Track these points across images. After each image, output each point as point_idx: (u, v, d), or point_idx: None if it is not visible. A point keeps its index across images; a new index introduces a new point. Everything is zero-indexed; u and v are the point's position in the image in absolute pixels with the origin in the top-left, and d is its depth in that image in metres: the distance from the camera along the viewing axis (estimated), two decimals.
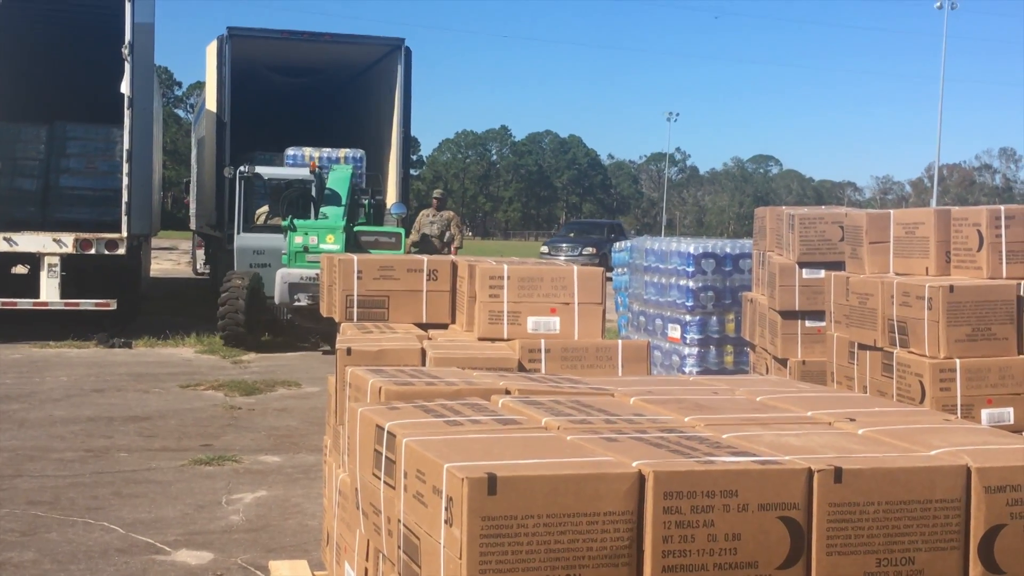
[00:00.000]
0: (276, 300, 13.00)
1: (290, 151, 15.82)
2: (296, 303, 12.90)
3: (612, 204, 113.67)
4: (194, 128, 25.54)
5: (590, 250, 29.87)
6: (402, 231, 13.61)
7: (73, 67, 18.38)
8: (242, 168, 14.35)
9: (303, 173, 14.40)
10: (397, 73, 17.32)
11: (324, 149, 16.18)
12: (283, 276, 12.96)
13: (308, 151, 16.15)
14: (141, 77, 14.66)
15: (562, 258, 27.62)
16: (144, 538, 5.68)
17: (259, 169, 14.50)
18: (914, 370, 5.16)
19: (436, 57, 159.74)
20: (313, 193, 14.08)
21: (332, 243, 12.88)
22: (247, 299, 13.18)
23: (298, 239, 13.09)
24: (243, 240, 14.30)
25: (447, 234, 15.67)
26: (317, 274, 12.49)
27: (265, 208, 14.97)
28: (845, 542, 2.09)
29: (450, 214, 16.07)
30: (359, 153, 16.46)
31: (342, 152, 16.24)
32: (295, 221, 13.24)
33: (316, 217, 13.67)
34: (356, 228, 13.44)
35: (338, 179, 14.26)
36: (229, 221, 15.04)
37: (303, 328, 13.69)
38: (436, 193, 16.72)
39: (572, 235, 33.41)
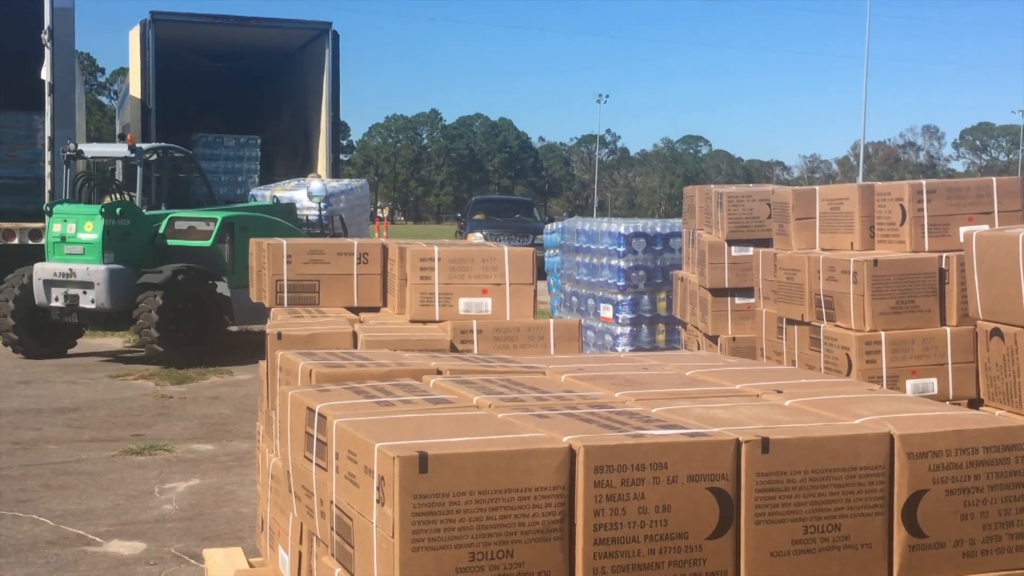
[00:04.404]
0: (36, 300, 11.28)
1: (308, 180, 14.89)
2: (54, 303, 11.16)
3: (544, 186, 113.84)
4: (118, 115, 25.15)
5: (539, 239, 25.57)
6: (220, 216, 11.70)
7: None
8: (64, 148, 12.83)
9: (122, 150, 12.44)
10: (325, 57, 17.23)
11: (333, 181, 15.36)
12: (38, 272, 11.26)
13: (315, 180, 14.98)
14: (62, 63, 14.38)
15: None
16: (75, 530, 5.60)
17: (82, 146, 12.74)
18: (841, 343, 5.25)
19: (364, 41, 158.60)
20: (139, 175, 12.09)
21: (91, 231, 11.17)
22: (18, 303, 11.42)
23: (56, 227, 11.30)
24: None
25: None
26: (71, 269, 11.08)
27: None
28: (773, 511, 2.13)
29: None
30: (360, 183, 15.69)
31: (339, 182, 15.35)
32: (55, 206, 11.53)
33: (151, 205, 12.26)
34: (172, 214, 11.79)
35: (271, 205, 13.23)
36: None
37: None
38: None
39: (484, 216, 27.51)
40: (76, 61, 18.01)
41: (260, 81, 20.53)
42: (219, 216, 11.68)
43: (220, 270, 11.63)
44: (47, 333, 11.69)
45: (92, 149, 13.27)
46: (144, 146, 12.52)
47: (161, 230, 11.62)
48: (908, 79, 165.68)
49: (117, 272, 11.13)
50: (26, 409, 8.83)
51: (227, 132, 18.29)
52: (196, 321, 11.36)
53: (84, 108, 22.79)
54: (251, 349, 11.65)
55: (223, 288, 11.64)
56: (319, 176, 16.66)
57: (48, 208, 11.60)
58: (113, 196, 12.84)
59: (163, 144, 13.44)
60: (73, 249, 11.22)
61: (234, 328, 13.54)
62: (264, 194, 14.81)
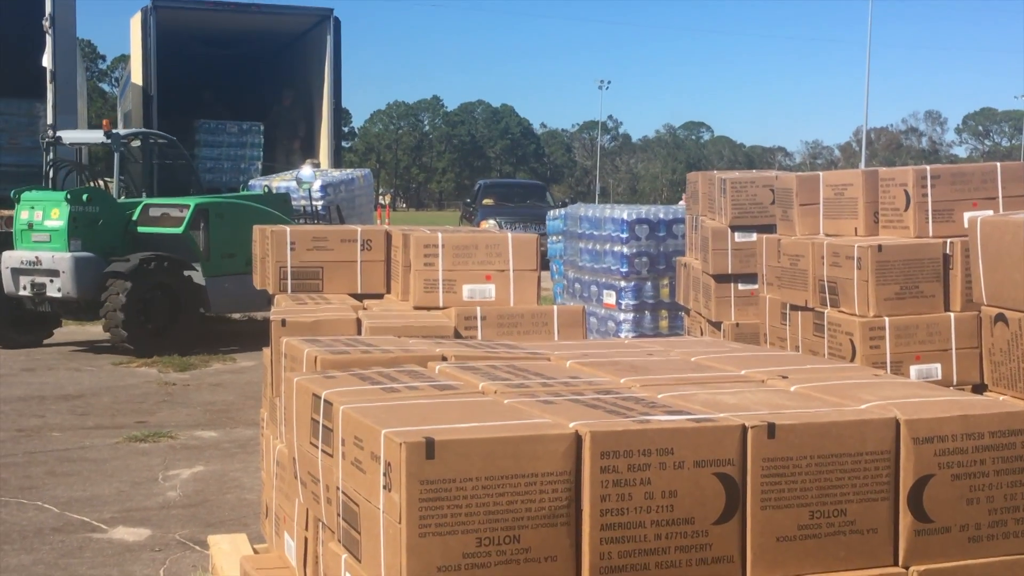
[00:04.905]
0: (4, 289, 11.07)
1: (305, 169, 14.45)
2: (22, 292, 10.95)
3: (546, 173, 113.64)
4: (120, 102, 25.10)
5: None
6: (192, 202, 11.40)
7: None
8: (43, 134, 12.75)
9: (98, 136, 12.25)
10: (327, 44, 17.20)
11: (334, 171, 14.99)
12: (5, 260, 11.07)
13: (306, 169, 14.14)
14: (63, 50, 14.36)
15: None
16: (80, 516, 5.62)
17: (60, 133, 12.59)
18: (845, 329, 5.24)
19: (366, 27, 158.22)
20: (117, 162, 11.96)
21: (56, 219, 10.87)
22: None
23: (24, 214, 11.06)
24: None
25: None
26: (37, 256, 10.83)
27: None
28: (779, 496, 2.13)
29: None
30: (362, 173, 15.40)
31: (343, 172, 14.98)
32: (23, 193, 11.23)
33: (124, 193, 12.04)
34: (146, 202, 11.58)
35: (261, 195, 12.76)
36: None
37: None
38: None
39: (494, 202, 25.96)
40: (77, 48, 18.00)
41: (262, 68, 20.49)
42: (191, 203, 11.37)
43: (194, 258, 11.31)
44: (23, 322, 11.51)
45: (70, 136, 13.03)
46: (122, 132, 12.25)
47: (135, 217, 11.37)
48: (910, 64, 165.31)
49: (84, 260, 10.85)
50: (30, 396, 8.84)
51: (230, 119, 18.25)
52: (167, 310, 11.07)
53: (86, 95, 22.76)
54: (254, 336, 11.68)
55: (197, 276, 11.30)
56: (315, 162, 16.57)
57: (16, 195, 11.29)
58: (92, 182, 12.63)
59: (142, 130, 13.23)
60: (40, 237, 10.96)
61: (237, 316, 13.57)
62: (262, 183, 14.69)
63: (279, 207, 12.27)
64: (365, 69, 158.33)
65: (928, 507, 2.20)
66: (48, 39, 13.55)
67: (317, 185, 13.93)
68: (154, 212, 11.38)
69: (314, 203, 13.70)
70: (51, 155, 12.52)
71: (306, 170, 13.80)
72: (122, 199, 11.82)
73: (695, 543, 2.08)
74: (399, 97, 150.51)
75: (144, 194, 12.20)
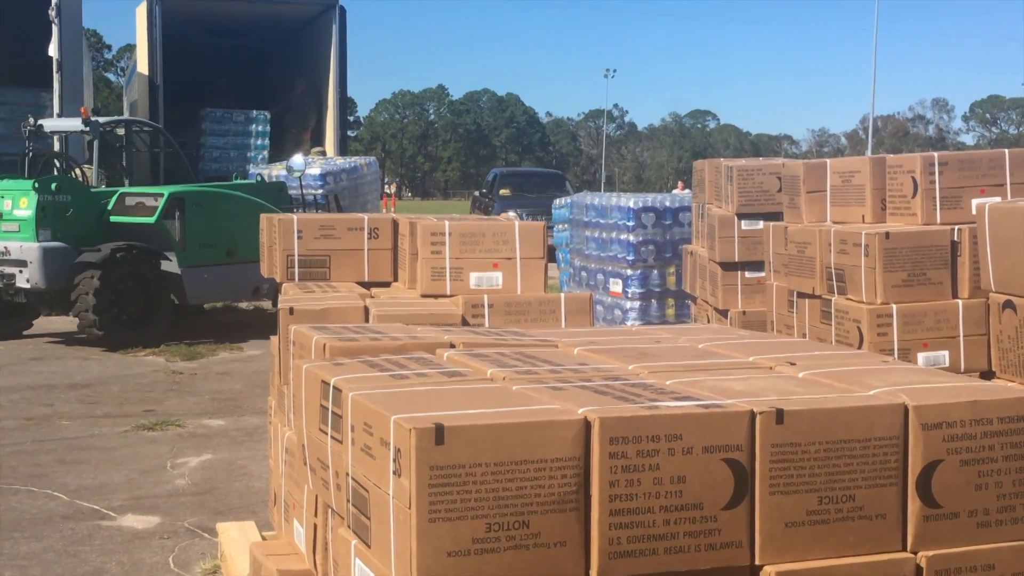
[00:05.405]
0: None
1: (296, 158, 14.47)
2: None
3: (551, 162, 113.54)
4: (126, 92, 25.13)
5: None
6: (166, 191, 11.10)
7: None
8: (24, 123, 12.55)
9: (76, 124, 12.07)
10: (332, 33, 17.22)
11: (338, 159, 14.92)
12: None
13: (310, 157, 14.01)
14: (69, 39, 14.39)
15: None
16: (89, 504, 5.64)
17: (42, 121, 12.47)
18: (852, 316, 5.24)
19: (371, 16, 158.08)
20: (96, 150, 11.84)
21: (25, 208, 10.57)
22: None
23: None
24: None
25: None
26: (6, 246, 10.56)
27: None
28: (788, 482, 2.13)
29: None
30: (367, 161, 15.31)
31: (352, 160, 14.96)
32: None
33: (106, 181, 11.82)
34: (122, 191, 11.27)
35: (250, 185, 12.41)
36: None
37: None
38: None
39: (510, 191, 25.16)
40: (83, 38, 18.02)
41: (268, 57, 20.49)
42: (165, 192, 11.12)
43: (169, 247, 11.05)
44: (3, 313, 11.33)
45: (51, 124, 12.87)
46: (101, 120, 12.10)
47: (110, 206, 11.12)
48: (917, 52, 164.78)
49: (52, 250, 10.59)
50: (39, 385, 8.87)
51: (236, 107, 18.26)
52: (140, 301, 10.88)
53: (91, 85, 22.78)
54: (260, 325, 11.68)
55: (173, 266, 11.05)
56: (321, 150, 16.56)
57: None
58: (72, 171, 12.56)
59: (124, 118, 13.07)
60: (9, 226, 10.66)
61: (243, 305, 13.56)
62: (258, 172, 14.58)
63: (271, 196, 11.95)
64: (370, 58, 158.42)
65: (936, 492, 2.21)
66: (54, 28, 13.59)
67: (316, 171, 13.82)
68: (129, 201, 11.11)
69: (312, 192, 13.56)
70: (31, 143, 12.36)
71: (297, 158, 13.50)
72: (101, 188, 11.63)
73: (704, 528, 2.09)
74: (404, 86, 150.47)
75: (126, 183, 12.02)
